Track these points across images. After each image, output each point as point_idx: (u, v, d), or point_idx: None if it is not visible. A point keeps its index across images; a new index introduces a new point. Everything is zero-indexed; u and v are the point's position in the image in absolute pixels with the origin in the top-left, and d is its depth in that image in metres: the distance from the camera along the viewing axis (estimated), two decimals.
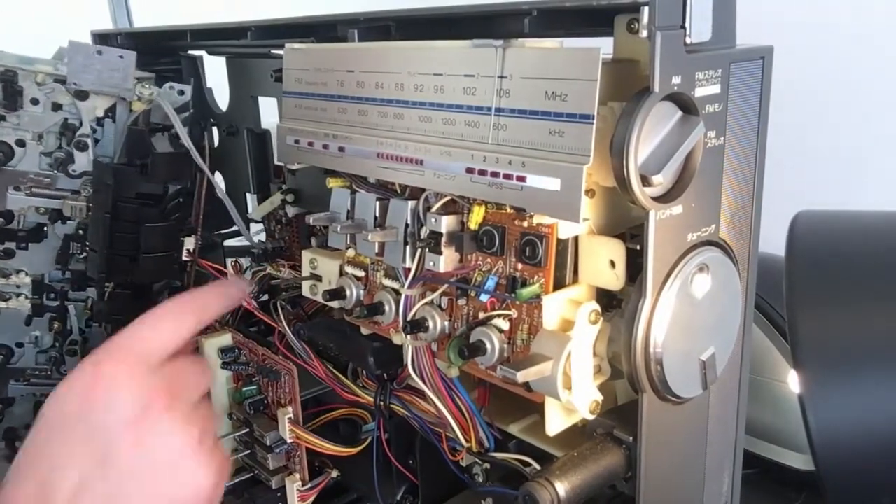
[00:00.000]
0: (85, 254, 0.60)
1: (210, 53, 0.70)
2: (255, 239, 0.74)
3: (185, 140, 0.57)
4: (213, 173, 0.73)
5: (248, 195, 0.72)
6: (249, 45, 0.58)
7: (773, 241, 0.51)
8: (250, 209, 0.73)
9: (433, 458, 0.54)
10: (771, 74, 0.40)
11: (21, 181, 0.59)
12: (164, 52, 0.72)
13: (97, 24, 0.72)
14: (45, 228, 0.61)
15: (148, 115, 0.59)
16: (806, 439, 0.47)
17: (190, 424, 0.42)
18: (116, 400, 0.40)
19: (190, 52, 0.72)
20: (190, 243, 0.66)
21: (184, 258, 0.66)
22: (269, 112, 0.70)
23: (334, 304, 0.51)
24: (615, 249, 0.38)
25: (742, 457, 0.46)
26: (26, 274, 0.61)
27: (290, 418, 0.56)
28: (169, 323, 0.45)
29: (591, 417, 0.40)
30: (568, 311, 0.39)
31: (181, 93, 0.62)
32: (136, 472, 0.40)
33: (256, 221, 0.72)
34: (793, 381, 0.55)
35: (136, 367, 0.41)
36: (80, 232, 0.60)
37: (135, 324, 0.44)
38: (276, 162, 0.71)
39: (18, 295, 0.62)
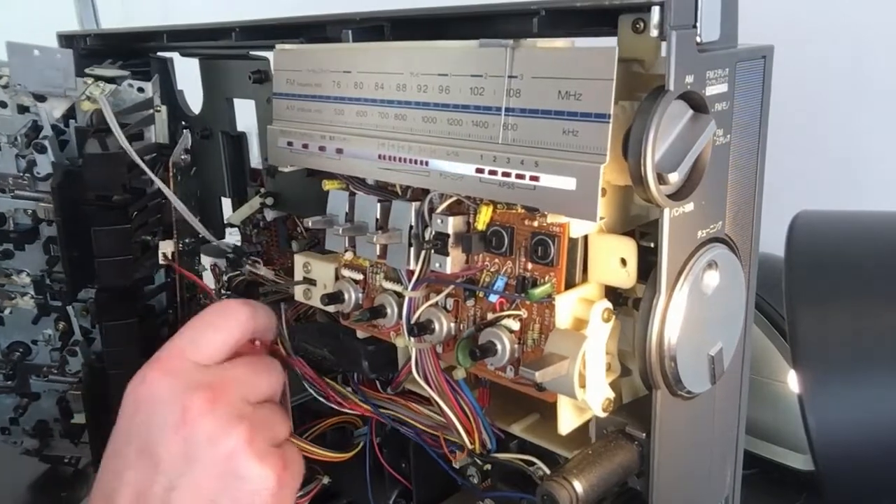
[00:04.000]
0: None
1: (182, 55, 0.68)
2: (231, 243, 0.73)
3: (122, 140, 0.55)
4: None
5: (224, 199, 0.71)
6: (231, 45, 0.57)
7: (773, 241, 0.51)
8: (226, 214, 0.71)
9: (426, 461, 0.54)
10: (772, 73, 0.41)
11: (4, 183, 0.58)
12: (134, 54, 0.70)
13: (63, 26, 0.69)
14: (39, 230, 0.60)
15: (101, 115, 0.58)
16: (806, 439, 0.48)
17: (236, 425, 0.41)
18: (157, 405, 0.40)
19: (159, 53, 0.70)
20: (166, 247, 0.64)
21: (160, 262, 0.65)
22: (244, 114, 0.68)
23: (331, 308, 0.51)
24: (627, 247, 0.39)
25: (743, 451, 0.47)
26: (27, 274, 0.60)
27: None
28: (219, 323, 0.44)
29: (603, 415, 0.40)
30: (580, 310, 0.40)
31: (140, 90, 0.61)
32: (187, 477, 0.39)
33: (233, 226, 0.71)
34: (793, 381, 0.56)
35: (180, 371, 0.41)
36: None
37: (185, 327, 0.44)
38: (253, 165, 0.70)
39: (24, 294, 0.61)
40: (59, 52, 0.56)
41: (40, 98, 0.57)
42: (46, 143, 0.57)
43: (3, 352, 0.62)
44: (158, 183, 0.58)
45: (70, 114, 0.58)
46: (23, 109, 0.57)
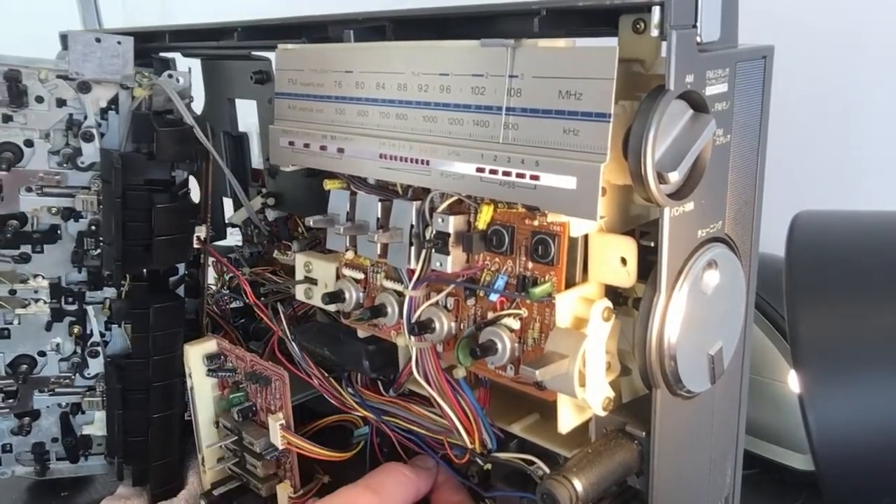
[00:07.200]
0: (99, 250, 0.60)
1: (185, 55, 0.69)
2: (233, 242, 0.73)
3: (188, 118, 0.57)
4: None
5: (225, 199, 0.71)
6: (233, 46, 0.57)
7: (774, 241, 0.51)
8: (227, 213, 0.72)
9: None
10: (772, 74, 0.41)
11: (31, 181, 0.58)
12: (136, 55, 0.70)
13: (66, 27, 0.70)
14: (59, 231, 0.60)
15: (150, 101, 0.59)
16: (806, 439, 0.48)
17: None
18: None
19: (161, 54, 0.71)
20: (199, 231, 0.65)
21: (194, 245, 0.65)
22: (244, 115, 0.69)
23: (332, 307, 0.51)
24: (627, 247, 0.39)
25: (743, 449, 0.47)
26: (43, 278, 0.60)
27: (281, 424, 0.55)
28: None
29: (603, 414, 0.40)
30: (580, 309, 0.40)
31: (179, 80, 0.62)
32: None
33: (235, 226, 0.71)
34: (793, 381, 0.56)
35: None
36: (93, 228, 0.60)
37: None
38: (255, 165, 0.70)
39: (37, 300, 0.60)
40: (121, 39, 0.57)
41: (85, 88, 0.57)
42: (94, 130, 0.58)
43: (6, 368, 0.61)
44: (215, 156, 0.59)
45: (109, 105, 0.59)
46: (60, 103, 0.58)
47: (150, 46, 0.67)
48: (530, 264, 0.41)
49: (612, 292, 0.41)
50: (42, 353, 0.62)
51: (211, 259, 0.66)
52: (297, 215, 0.64)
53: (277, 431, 0.55)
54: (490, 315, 0.43)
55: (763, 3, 0.55)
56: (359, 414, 0.55)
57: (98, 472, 0.66)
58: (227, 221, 0.72)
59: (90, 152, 0.58)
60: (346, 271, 0.51)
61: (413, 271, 0.45)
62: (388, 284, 0.48)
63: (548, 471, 0.45)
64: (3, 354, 0.61)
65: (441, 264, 0.43)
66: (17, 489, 0.67)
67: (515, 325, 0.42)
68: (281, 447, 0.56)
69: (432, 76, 0.41)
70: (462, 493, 0.52)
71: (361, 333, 0.52)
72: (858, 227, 0.54)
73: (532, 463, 0.47)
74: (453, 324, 0.45)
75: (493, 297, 0.43)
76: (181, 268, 0.63)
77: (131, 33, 0.65)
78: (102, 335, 0.62)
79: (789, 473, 0.61)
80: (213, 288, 0.71)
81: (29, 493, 0.67)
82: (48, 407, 0.63)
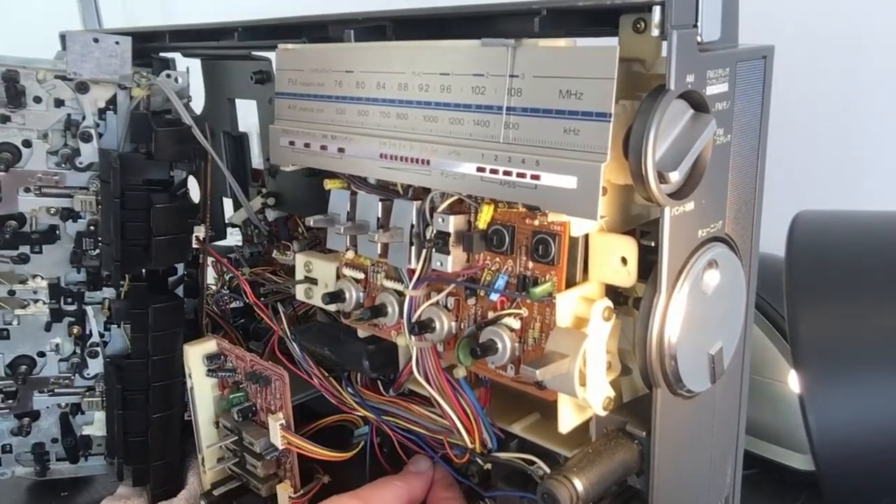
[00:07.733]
0: (97, 250, 0.60)
1: (185, 55, 0.69)
2: (233, 242, 0.73)
3: (185, 118, 0.57)
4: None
5: (225, 199, 0.71)
6: (234, 46, 0.57)
7: (774, 241, 0.51)
8: (227, 214, 0.72)
9: None
10: (772, 74, 0.41)
11: (30, 181, 0.58)
12: (136, 55, 0.70)
13: (66, 26, 0.70)
14: (58, 231, 0.60)
15: (148, 101, 0.59)
16: (806, 439, 0.48)
17: None
18: None
19: (161, 54, 0.71)
20: (198, 231, 0.65)
21: (193, 245, 0.65)
22: (244, 115, 0.69)
23: (332, 307, 0.51)
24: (628, 246, 0.39)
25: (743, 449, 0.47)
26: (42, 278, 0.60)
27: (281, 424, 0.55)
28: None
29: (603, 414, 0.40)
30: (580, 309, 0.40)
31: (178, 80, 0.62)
32: None
33: (235, 226, 0.71)
34: (793, 381, 0.56)
35: None
36: (92, 228, 0.60)
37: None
38: (255, 165, 0.70)
39: (36, 301, 0.61)
40: (119, 40, 0.57)
41: (83, 89, 0.57)
42: (92, 131, 0.58)
43: (6, 368, 0.61)
44: (213, 156, 0.60)
45: (107, 105, 0.59)
46: (59, 103, 0.58)
47: (151, 46, 0.67)
48: (531, 264, 0.41)
49: (613, 292, 0.41)
50: (41, 354, 0.62)
51: (211, 259, 0.66)
52: (297, 215, 0.64)
53: (277, 431, 0.55)
54: (490, 315, 0.43)
55: (763, 5, 0.55)
56: (359, 414, 0.56)
57: (98, 472, 0.66)
58: (227, 221, 0.72)
59: (88, 152, 0.58)
60: (347, 271, 0.51)
61: (413, 271, 0.45)
62: (389, 284, 0.48)
63: (548, 470, 0.45)
64: (3, 355, 0.61)
65: (441, 264, 0.43)
66: (17, 489, 0.67)
67: (516, 324, 0.42)
68: (281, 447, 0.56)
69: (433, 76, 0.41)
70: (454, 490, 0.52)
71: (362, 333, 0.52)
72: (858, 227, 0.54)
73: (532, 463, 0.47)
74: (454, 323, 0.45)
75: (494, 297, 0.43)
76: (180, 268, 0.64)
77: (131, 33, 0.66)
78: (102, 335, 0.62)
79: (789, 473, 0.61)
80: (213, 288, 0.71)
81: (29, 493, 0.67)
82: (48, 407, 0.63)
